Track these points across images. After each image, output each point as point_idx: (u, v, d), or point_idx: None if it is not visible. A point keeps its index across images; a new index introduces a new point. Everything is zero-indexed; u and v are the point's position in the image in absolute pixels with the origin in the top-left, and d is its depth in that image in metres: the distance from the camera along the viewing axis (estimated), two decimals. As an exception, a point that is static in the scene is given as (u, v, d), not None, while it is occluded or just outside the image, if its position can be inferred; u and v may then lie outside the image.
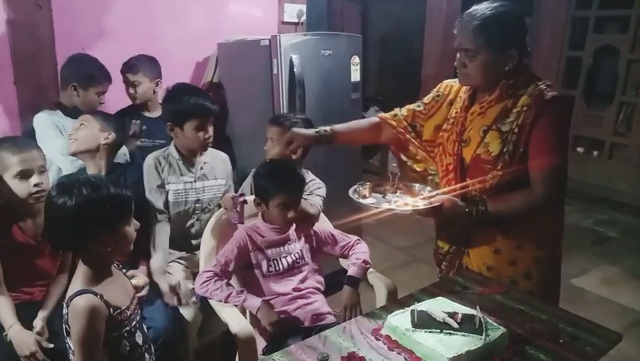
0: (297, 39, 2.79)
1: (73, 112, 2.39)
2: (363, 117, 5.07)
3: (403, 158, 1.93)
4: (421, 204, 1.61)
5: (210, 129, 2.20)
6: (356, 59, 3.08)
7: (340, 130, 1.88)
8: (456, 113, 1.73)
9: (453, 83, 1.79)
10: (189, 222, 2.26)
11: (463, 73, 1.62)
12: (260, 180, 1.90)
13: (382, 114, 1.94)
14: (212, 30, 3.25)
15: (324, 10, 4.16)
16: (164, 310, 1.96)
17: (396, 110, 1.91)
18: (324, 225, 2.11)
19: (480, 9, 1.56)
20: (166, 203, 2.18)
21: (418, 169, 1.90)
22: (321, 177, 2.26)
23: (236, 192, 2.20)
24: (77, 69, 2.42)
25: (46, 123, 2.35)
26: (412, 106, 1.89)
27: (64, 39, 2.70)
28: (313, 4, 3.79)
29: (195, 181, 2.24)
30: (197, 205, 2.25)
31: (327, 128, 1.85)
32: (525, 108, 1.54)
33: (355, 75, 3.10)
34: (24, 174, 1.76)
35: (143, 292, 1.88)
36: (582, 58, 5.06)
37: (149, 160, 2.21)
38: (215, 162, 2.32)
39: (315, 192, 2.16)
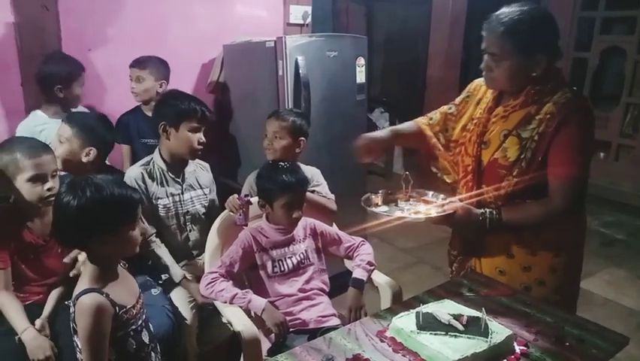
0: (303, 40, 2.80)
1: (59, 111, 2.46)
2: (369, 119, 5.08)
3: (434, 169, 1.89)
4: (433, 212, 1.60)
5: (203, 136, 2.16)
6: (361, 61, 3.08)
7: (398, 131, 1.89)
8: (480, 113, 1.70)
9: (483, 82, 1.74)
10: (185, 234, 2.24)
11: (489, 76, 1.59)
12: (263, 181, 1.90)
13: (419, 119, 1.91)
14: (217, 31, 3.26)
15: (330, 11, 4.17)
16: (165, 315, 1.92)
17: (432, 114, 1.89)
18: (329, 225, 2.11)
19: (508, 12, 1.51)
20: (154, 218, 2.14)
21: (448, 180, 1.86)
22: (326, 179, 2.27)
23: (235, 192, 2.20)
24: (59, 69, 2.43)
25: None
26: (444, 109, 1.87)
27: (71, 41, 2.72)
28: (318, 6, 3.79)
29: (183, 193, 2.21)
30: (188, 217, 2.23)
31: (389, 129, 1.88)
32: (548, 116, 1.50)
33: (360, 76, 3.10)
34: (37, 179, 1.73)
35: None
36: (588, 59, 5.04)
37: (134, 173, 2.13)
38: (199, 170, 2.31)
39: (314, 180, 2.18)
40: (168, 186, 2.18)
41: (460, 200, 1.66)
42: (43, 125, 2.41)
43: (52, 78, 2.42)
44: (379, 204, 1.71)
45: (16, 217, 1.79)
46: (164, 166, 2.17)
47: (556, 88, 1.54)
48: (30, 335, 1.66)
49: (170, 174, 2.18)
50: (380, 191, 1.78)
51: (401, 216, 1.60)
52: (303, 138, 2.21)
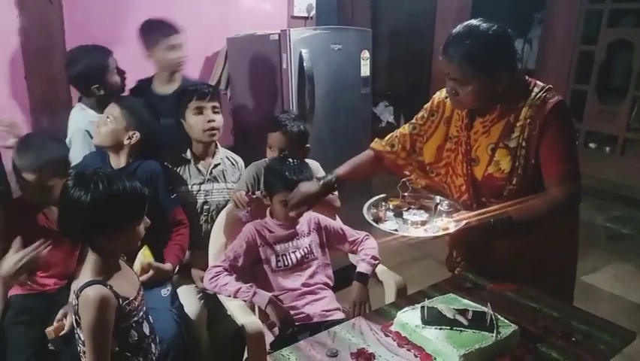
0: (307, 33, 2.78)
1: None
2: (374, 113, 5.05)
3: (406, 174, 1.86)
4: (451, 225, 1.57)
5: (214, 115, 2.17)
6: (366, 54, 3.06)
7: (343, 173, 1.83)
8: (457, 131, 1.69)
9: (445, 99, 1.72)
10: (199, 223, 2.25)
11: (455, 99, 1.60)
12: (269, 173, 1.91)
13: (376, 147, 1.86)
14: (221, 24, 3.25)
15: (334, 4, 4.14)
16: (172, 320, 1.86)
17: (394, 140, 1.83)
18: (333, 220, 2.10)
19: (462, 36, 1.51)
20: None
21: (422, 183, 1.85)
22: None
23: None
24: (87, 68, 2.30)
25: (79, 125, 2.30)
26: (405, 130, 1.82)
27: (75, 34, 2.71)
28: (323, -2, 3.77)
29: (204, 183, 2.24)
30: (205, 207, 2.25)
31: (330, 176, 1.81)
32: (529, 121, 1.52)
33: (365, 70, 3.08)
34: (48, 187, 1.76)
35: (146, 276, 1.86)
36: (595, 52, 4.99)
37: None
38: (227, 164, 2.33)
39: (314, 174, 2.16)
40: (191, 176, 2.24)
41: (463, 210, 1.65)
42: (92, 121, 2.27)
43: (85, 79, 2.32)
44: (383, 217, 1.67)
45: (31, 207, 1.81)
46: (189, 156, 2.24)
47: (525, 92, 1.55)
48: None
49: (195, 165, 2.25)
50: (381, 201, 1.74)
51: (420, 235, 1.60)
52: (308, 145, 2.19)
